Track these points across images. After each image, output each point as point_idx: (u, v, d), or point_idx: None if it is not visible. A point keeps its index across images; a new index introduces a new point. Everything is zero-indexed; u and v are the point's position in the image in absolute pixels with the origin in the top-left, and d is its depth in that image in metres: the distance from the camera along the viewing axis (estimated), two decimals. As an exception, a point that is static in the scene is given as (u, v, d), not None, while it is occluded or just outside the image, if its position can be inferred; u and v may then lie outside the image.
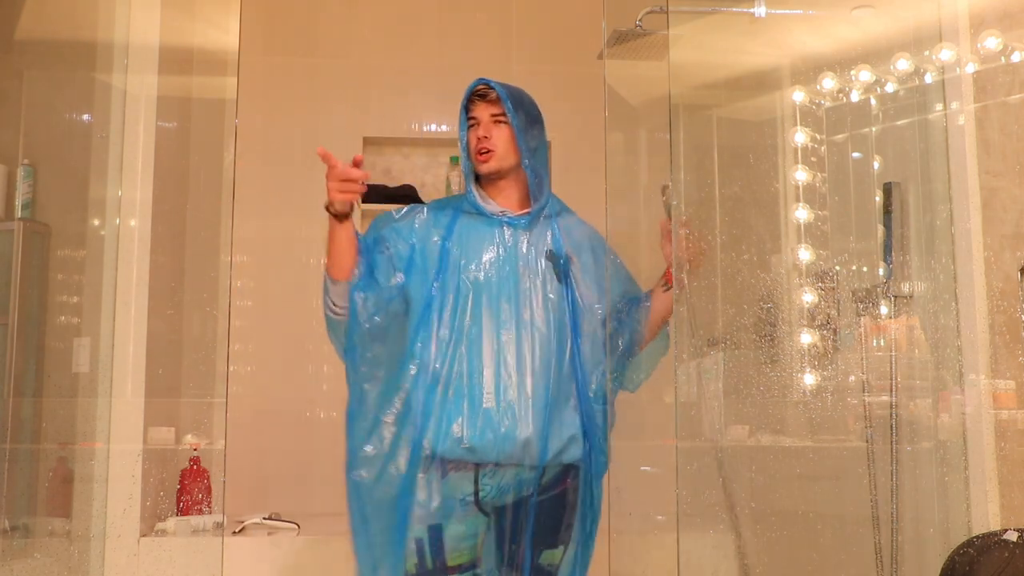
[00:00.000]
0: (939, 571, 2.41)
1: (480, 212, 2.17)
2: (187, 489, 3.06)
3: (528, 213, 2.19)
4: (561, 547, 2.13)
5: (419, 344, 2.07)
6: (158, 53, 2.93)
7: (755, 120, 3.17)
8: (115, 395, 2.81)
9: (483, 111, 2.18)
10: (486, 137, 2.16)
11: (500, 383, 2.04)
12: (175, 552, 2.86)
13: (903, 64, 2.86)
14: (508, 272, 2.11)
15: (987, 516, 2.58)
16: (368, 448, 2.07)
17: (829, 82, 2.97)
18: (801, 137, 2.98)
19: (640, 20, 3.02)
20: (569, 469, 2.13)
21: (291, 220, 3.85)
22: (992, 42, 2.70)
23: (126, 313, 2.83)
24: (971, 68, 2.76)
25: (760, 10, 2.93)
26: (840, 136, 2.98)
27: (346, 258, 2.09)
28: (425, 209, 2.21)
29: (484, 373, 2.04)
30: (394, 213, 2.22)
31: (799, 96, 3.01)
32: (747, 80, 3.18)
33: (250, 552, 2.98)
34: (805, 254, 2.89)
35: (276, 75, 3.83)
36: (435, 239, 2.14)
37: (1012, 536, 2.34)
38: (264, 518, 3.19)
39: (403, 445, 2.05)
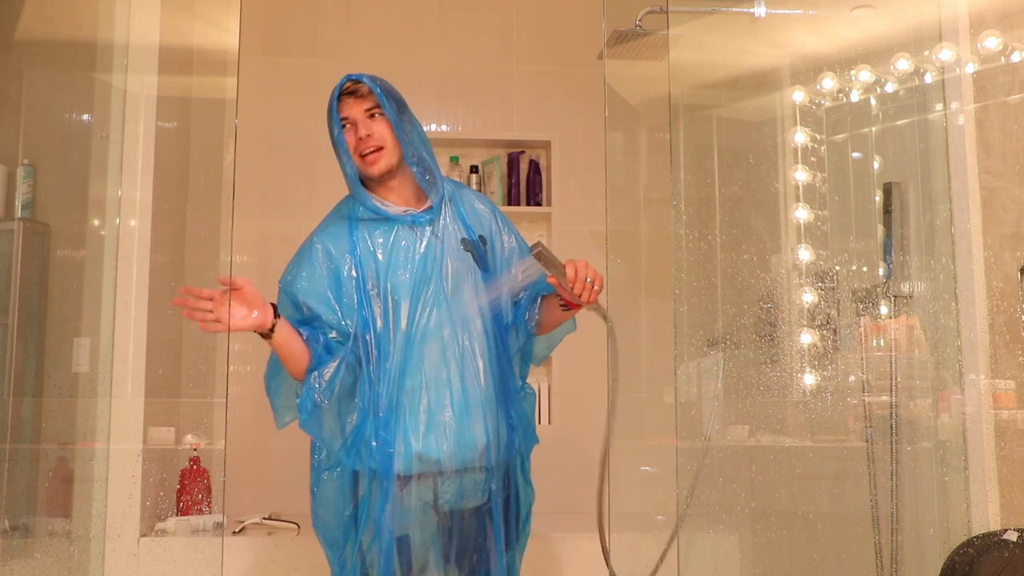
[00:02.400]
0: (939, 571, 2.41)
1: (380, 215, 2.04)
2: (187, 489, 3.06)
3: (431, 208, 2.06)
4: (515, 546, 2.11)
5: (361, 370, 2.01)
6: (158, 53, 2.93)
7: (755, 120, 3.17)
8: (115, 395, 2.81)
9: (354, 108, 2.03)
10: (368, 135, 2.02)
11: (450, 392, 1.98)
12: (175, 552, 2.86)
13: (903, 64, 2.86)
14: (430, 275, 2.01)
15: (987, 516, 2.58)
16: (326, 473, 2.04)
17: (829, 82, 2.97)
18: (801, 137, 2.98)
19: (640, 20, 3.02)
20: (508, 468, 2.09)
21: (291, 220, 3.84)
22: (992, 42, 2.70)
23: (126, 313, 2.83)
24: (971, 68, 2.76)
25: (760, 10, 2.93)
26: (840, 136, 2.98)
27: (301, 362, 1.98)
28: (316, 242, 2.06)
29: (432, 385, 1.98)
30: (291, 267, 2.06)
31: (799, 96, 3.01)
32: (747, 80, 3.18)
33: (250, 552, 2.98)
34: (805, 254, 2.89)
35: (276, 75, 3.83)
36: (346, 264, 2.01)
37: (1012, 536, 2.34)
38: (264, 518, 3.18)
39: (360, 471, 2.00)
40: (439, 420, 1.98)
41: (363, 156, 2.03)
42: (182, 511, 3.03)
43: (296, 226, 3.93)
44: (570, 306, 2.06)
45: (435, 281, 2.02)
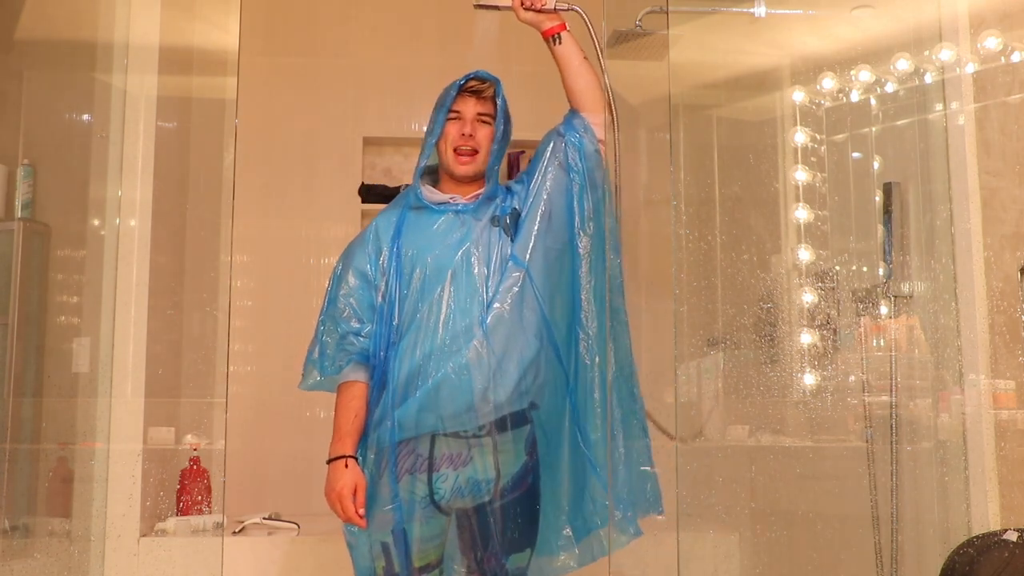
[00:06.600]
0: (939, 571, 2.41)
1: (424, 204, 2.10)
2: (187, 489, 3.06)
3: (476, 198, 2.10)
4: (527, 550, 2.08)
5: (383, 351, 2.06)
6: (158, 53, 2.93)
7: (755, 120, 3.17)
8: (115, 395, 2.81)
9: (470, 107, 2.09)
10: (471, 135, 2.08)
11: (452, 362, 1.98)
12: (175, 552, 2.86)
13: (903, 64, 2.86)
14: (463, 258, 2.04)
15: (987, 516, 2.58)
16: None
17: (829, 82, 2.98)
18: (801, 137, 2.98)
19: (640, 20, 3.02)
20: (528, 468, 2.07)
21: (291, 220, 3.85)
22: (992, 42, 2.70)
23: (126, 313, 2.83)
24: (971, 68, 2.76)
25: (760, 10, 2.93)
26: (840, 136, 2.99)
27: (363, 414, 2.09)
28: (375, 224, 2.14)
29: (440, 355, 1.99)
30: (356, 246, 2.14)
31: (799, 96, 3.01)
32: (747, 80, 3.18)
33: (250, 552, 2.98)
34: (805, 254, 2.89)
35: (276, 75, 3.83)
36: (386, 248, 2.10)
37: (1012, 536, 2.34)
38: (264, 518, 3.19)
39: (367, 450, 2.06)
40: (431, 387, 1.98)
41: (458, 153, 2.08)
42: (182, 511, 3.03)
43: (296, 226, 3.97)
44: (546, 34, 2.11)
45: (463, 262, 2.04)
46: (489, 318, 2.00)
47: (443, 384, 1.98)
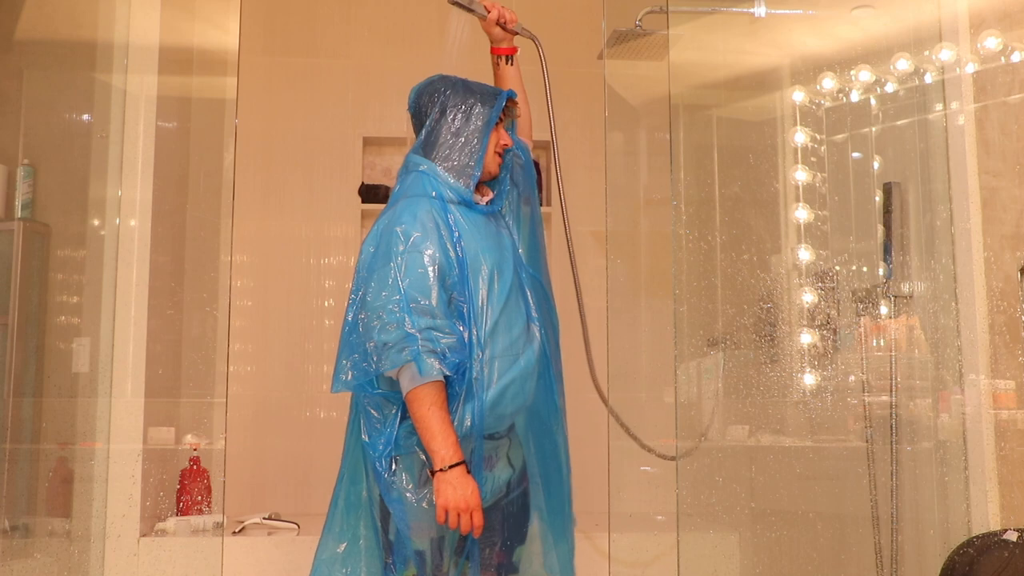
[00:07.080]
0: (939, 571, 2.41)
1: (468, 203, 2.11)
2: (187, 489, 3.06)
3: (492, 201, 2.20)
4: (526, 542, 2.13)
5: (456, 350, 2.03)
6: (158, 53, 2.93)
7: (755, 120, 3.17)
8: (115, 395, 2.81)
9: (504, 120, 2.23)
10: (508, 142, 2.23)
11: (532, 375, 2.07)
12: (175, 552, 2.86)
13: (903, 64, 2.86)
14: (514, 262, 2.14)
15: (987, 516, 2.58)
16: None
17: (829, 82, 2.98)
18: (801, 137, 2.98)
19: (640, 20, 3.02)
20: (524, 462, 2.12)
21: (291, 220, 3.85)
22: (992, 42, 2.71)
23: (126, 313, 2.84)
24: (971, 68, 2.76)
25: (760, 10, 2.94)
26: (840, 136, 2.99)
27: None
28: (428, 214, 2.05)
29: (504, 355, 2.03)
30: (425, 237, 2.02)
31: (799, 96, 3.01)
32: (747, 80, 3.18)
33: (250, 552, 2.98)
34: (805, 254, 2.89)
35: (276, 75, 3.83)
36: (449, 240, 2.06)
37: (1012, 536, 2.34)
38: (264, 518, 3.19)
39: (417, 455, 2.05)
40: (496, 392, 2.00)
41: (497, 154, 2.21)
42: (182, 511, 3.03)
43: (296, 226, 3.97)
44: (501, 52, 2.31)
45: (516, 268, 2.14)
46: (540, 326, 2.11)
47: (507, 389, 2.00)
